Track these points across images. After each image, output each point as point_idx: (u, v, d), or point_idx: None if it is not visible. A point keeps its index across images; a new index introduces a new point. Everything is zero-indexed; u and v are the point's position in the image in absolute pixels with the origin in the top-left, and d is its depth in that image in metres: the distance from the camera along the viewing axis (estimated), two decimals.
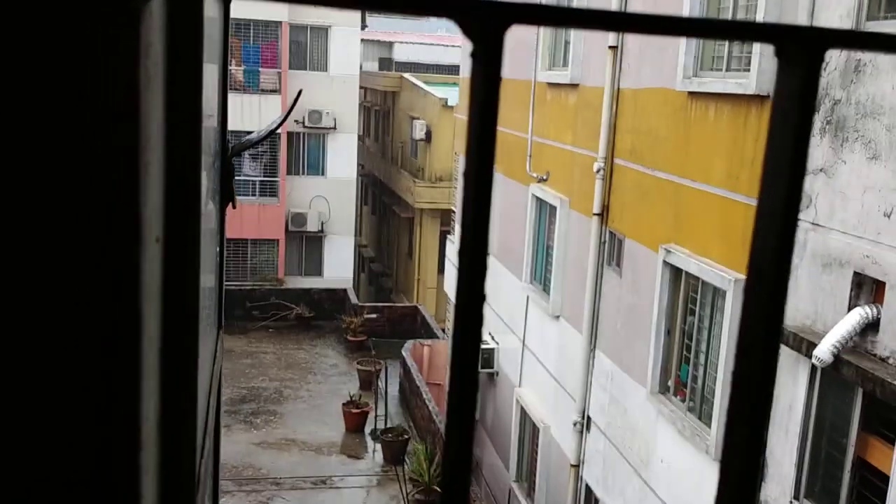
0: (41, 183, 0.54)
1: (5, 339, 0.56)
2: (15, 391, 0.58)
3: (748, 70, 8.05)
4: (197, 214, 0.83)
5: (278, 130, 26.10)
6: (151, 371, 0.70)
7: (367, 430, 18.67)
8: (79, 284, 0.57)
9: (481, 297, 0.57)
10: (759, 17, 7.73)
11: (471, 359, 0.57)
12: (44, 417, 0.59)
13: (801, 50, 0.57)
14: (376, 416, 18.52)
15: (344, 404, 18.94)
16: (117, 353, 0.58)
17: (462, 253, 0.55)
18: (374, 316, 24.42)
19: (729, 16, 8.59)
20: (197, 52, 0.79)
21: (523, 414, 14.08)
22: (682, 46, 9.08)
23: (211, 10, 1.51)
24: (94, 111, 0.55)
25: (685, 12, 8.98)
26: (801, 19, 7.12)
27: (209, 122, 1.53)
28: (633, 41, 10.50)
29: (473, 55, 0.54)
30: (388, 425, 18.26)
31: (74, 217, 0.56)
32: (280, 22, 26.57)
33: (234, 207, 1.72)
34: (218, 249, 1.62)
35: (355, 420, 18.65)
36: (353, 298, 26.36)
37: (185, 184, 0.77)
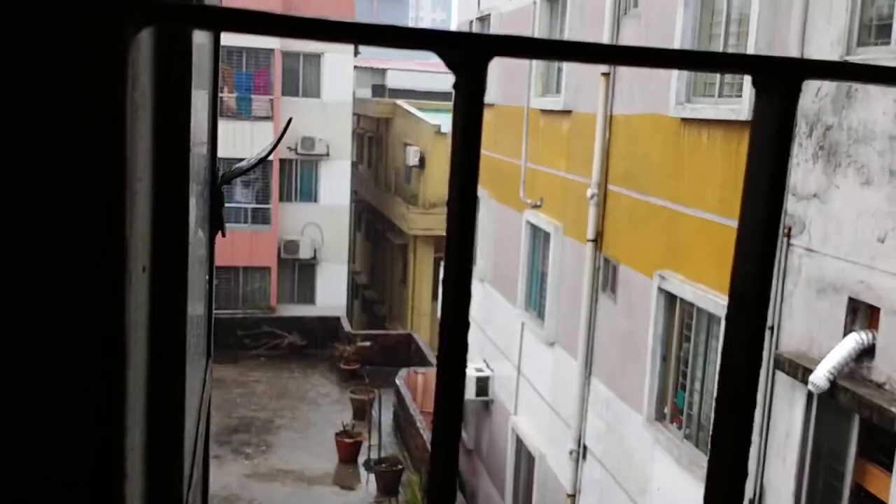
0: (24, 210, 0.55)
1: None
2: None
3: (740, 96, 8.11)
4: (185, 244, 0.83)
5: (270, 157, 26.17)
6: (137, 400, 0.69)
7: (361, 460, 18.53)
8: (62, 314, 0.57)
9: (465, 322, 0.57)
10: (751, 43, 7.80)
11: (456, 379, 0.57)
12: (25, 445, 0.58)
13: (778, 81, 0.58)
14: (370, 446, 18.39)
15: (337, 434, 18.80)
16: (101, 383, 0.58)
17: (446, 280, 0.55)
18: (367, 344, 24.32)
19: (720, 43, 8.67)
20: (185, 83, 0.79)
21: (519, 442, 14.01)
22: (675, 72, 9.15)
23: (200, 36, 1.52)
24: (80, 142, 0.55)
25: (677, 40, 9.06)
26: (792, 44, 7.19)
27: (199, 149, 1.54)
28: (625, 68, 10.58)
29: (456, 87, 0.55)
30: (382, 455, 18.13)
31: (59, 247, 0.56)
32: (273, 49, 26.70)
33: (223, 236, 1.72)
34: (207, 278, 1.63)
35: (348, 450, 18.50)
36: (347, 326, 26.27)
37: (173, 213, 0.77)
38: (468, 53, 0.54)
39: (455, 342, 0.55)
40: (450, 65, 0.55)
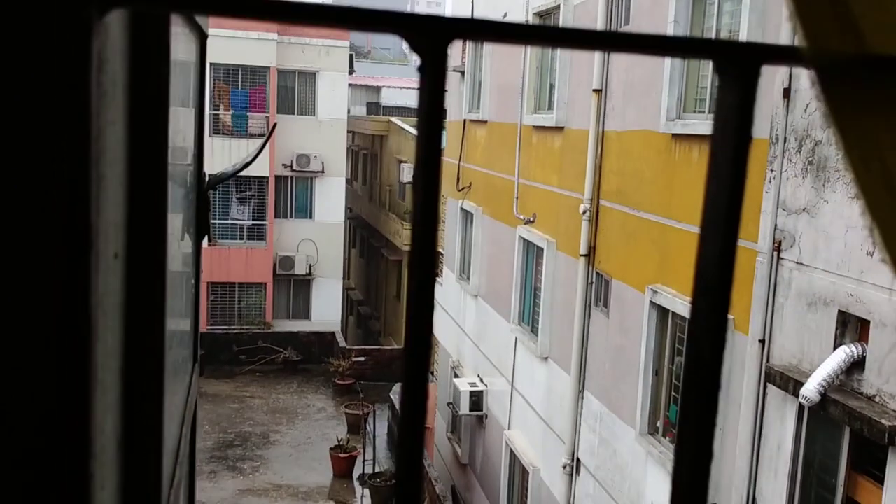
0: None
1: None
2: None
3: None
4: (163, 233, 0.83)
5: (265, 174, 26.20)
6: (110, 385, 0.70)
7: (356, 474, 18.49)
8: (21, 293, 0.57)
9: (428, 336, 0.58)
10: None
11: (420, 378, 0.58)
12: None
13: (738, 65, 0.59)
14: (364, 461, 18.36)
15: (332, 449, 18.77)
16: (63, 363, 0.58)
17: (411, 264, 0.56)
18: (362, 359, 24.31)
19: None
20: (163, 74, 0.80)
21: (512, 457, 13.98)
22: (665, 89, 9.21)
23: (184, 52, 1.53)
24: (39, 124, 0.56)
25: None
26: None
27: (183, 159, 1.55)
28: (617, 84, 10.63)
29: (420, 69, 0.56)
30: (377, 470, 18.09)
31: (19, 227, 0.56)
32: (268, 67, 26.81)
33: (209, 241, 1.72)
34: (193, 282, 1.63)
35: (343, 465, 18.47)
36: (342, 341, 26.26)
37: (150, 202, 0.78)
38: (432, 35, 0.55)
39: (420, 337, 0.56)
40: (413, 47, 0.56)
